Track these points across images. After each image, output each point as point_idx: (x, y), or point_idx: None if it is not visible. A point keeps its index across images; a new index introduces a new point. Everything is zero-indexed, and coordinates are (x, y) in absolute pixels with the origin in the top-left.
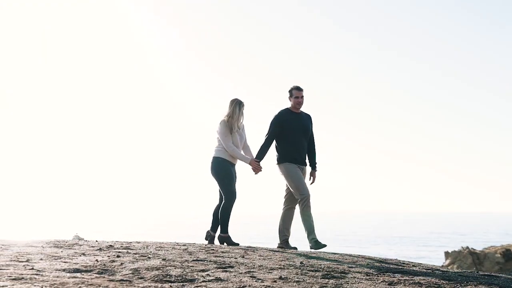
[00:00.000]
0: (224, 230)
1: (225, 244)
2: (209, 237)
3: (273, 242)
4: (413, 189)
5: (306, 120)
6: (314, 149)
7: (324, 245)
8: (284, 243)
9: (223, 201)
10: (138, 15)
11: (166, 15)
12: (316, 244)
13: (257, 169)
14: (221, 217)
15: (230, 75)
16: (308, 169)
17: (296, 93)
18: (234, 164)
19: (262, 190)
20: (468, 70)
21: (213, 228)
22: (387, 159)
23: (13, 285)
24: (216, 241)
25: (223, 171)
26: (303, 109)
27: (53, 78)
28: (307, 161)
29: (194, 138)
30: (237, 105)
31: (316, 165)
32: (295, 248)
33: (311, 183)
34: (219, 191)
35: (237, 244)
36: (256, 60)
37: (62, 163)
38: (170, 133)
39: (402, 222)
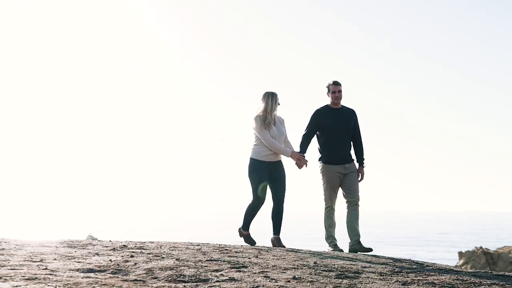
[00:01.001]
0: (245, 227)
1: (242, 239)
2: (272, 241)
3: (287, 242)
4: (426, 189)
5: (347, 116)
6: (360, 145)
7: (341, 250)
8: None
9: (252, 200)
10: (146, 14)
11: (173, 13)
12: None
13: (300, 161)
14: (245, 213)
15: (238, 75)
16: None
17: (333, 88)
18: (273, 162)
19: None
20: (479, 68)
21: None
22: (400, 159)
23: (26, 285)
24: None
25: (253, 174)
26: (348, 104)
27: (63, 78)
28: (354, 157)
29: (207, 137)
30: (269, 97)
31: (364, 161)
32: (370, 250)
33: (359, 180)
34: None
35: (255, 242)
36: (268, 60)
37: (75, 164)
38: (183, 133)
39: (415, 222)
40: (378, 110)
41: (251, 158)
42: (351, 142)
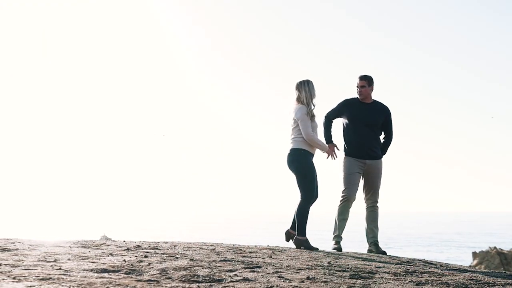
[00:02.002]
0: (302, 232)
1: (302, 248)
2: (290, 237)
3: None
4: (439, 189)
5: (375, 111)
6: (387, 141)
7: (340, 249)
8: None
9: (301, 199)
10: (155, 14)
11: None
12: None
13: (334, 152)
14: (297, 218)
15: (241, 74)
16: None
17: (357, 82)
18: (313, 155)
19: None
20: (491, 68)
21: (294, 227)
22: (414, 159)
23: (40, 285)
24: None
25: (306, 165)
26: (383, 100)
27: (72, 77)
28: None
29: (222, 137)
30: (308, 84)
31: (382, 156)
32: (385, 252)
33: None
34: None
35: (316, 249)
36: (280, 60)
37: (88, 165)
38: (193, 132)
39: (429, 222)
40: (392, 109)
41: (299, 149)
42: (378, 139)
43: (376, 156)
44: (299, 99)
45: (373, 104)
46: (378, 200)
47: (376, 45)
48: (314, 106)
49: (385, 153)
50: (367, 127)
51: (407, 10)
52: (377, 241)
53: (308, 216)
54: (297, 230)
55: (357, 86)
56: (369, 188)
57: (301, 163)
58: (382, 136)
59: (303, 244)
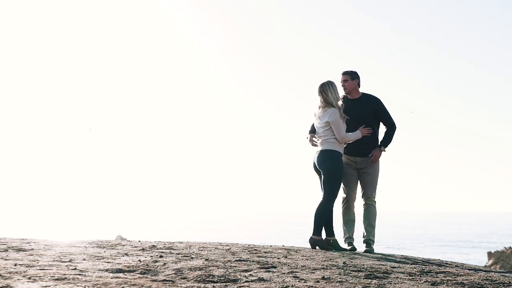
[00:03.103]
0: (318, 232)
1: (317, 247)
2: (328, 243)
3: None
4: (454, 189)
5: (362, 105)
6: (389, 130)
7: (354, 249)
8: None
9: (323, 199)
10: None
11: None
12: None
13: (366, 130)
14: (316, 217)
15: (253, 74)
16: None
17: (340, 78)
18: None
19: (311, 187)
20: (507, 67)
21: (327, 232)
22: (432, 159)
23: (56, 285)
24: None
25: (338, 166)
26: (372, 92)
27: (84, 77)
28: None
29: (228, 136)
30: (335, 86)
31: (384, 146)
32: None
33: (370, 161)
34: (321, 187)
35: (330, 249)
36: (298, 60)
37: (103, 165)
38: (200, 132)
39: (444, 223)
40: (408, 109)
41: (334, 151)
42: (373, 134)
43: (366, 153)
44: (327, 101)
45: (361, 97)
46: (373, 197)
47: (392, 45)
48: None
49: (388, 143)
50: (356, 122)
51: (424, 10)
52: (369, 239)
53: (333, 216)
54: (313, 229)
55: (341, 82)
56: (362, 185)
57: (334, 164)
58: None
59: (317, 243)
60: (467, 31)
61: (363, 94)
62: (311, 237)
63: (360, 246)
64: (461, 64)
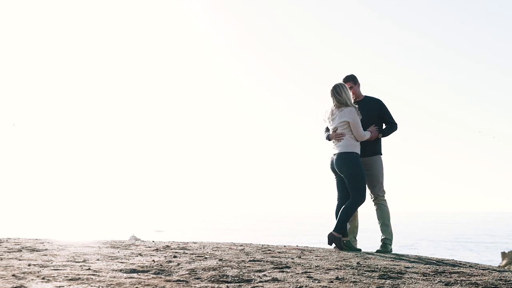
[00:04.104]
0: (339, 229)
1: (333, 245)
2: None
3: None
4: (468, 189)
5: (366, 107)
6: (389, 126)
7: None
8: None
9: (351, 199)
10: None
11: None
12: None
13: (376, 131)
14: (341, 214)
15: (280, 75)
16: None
17: None
18: None
19: (324, 187)
20: None
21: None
22: (445, 159)
23: (69, 285)
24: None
25: (360, 169)
26: (374, 94)
27: (96, 76)
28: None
29: (249, 137)
30: (347, 87)
31: (381, 134)
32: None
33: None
34: (339, 189)
35: (346, 249)
36: (311, 59)
37: (117, 165)
38: (225, 133)
39: (458, 223)
40: (423, 110)
41: (352, 152)
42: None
43: (367, 153)
44: (341, 102)
45: (364, 100)
46: (382, 196)
47: (409, 45)
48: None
49: (386, 134)
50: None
51: (437, 9)
52: (385, 239)
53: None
54: (336, 226)
55: None
56: (368, 185)
57: (356, 167)
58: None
59: (335, 240)
60: (484, 31)
61: (366, 96)
62: (330, 233)
63: (371, 248)
64: (475, 64)
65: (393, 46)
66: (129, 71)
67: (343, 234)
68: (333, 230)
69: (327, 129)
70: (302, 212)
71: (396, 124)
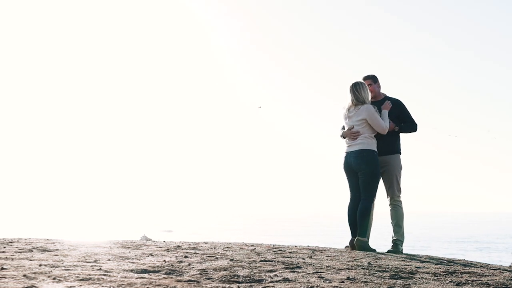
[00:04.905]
0: (363, 233)
1: (362, 249)
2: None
3: (341, 242)
4: (479, 189)
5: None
6: (408, 125)
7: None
8: None
9: (364, 199)
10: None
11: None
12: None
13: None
14: (360, 218)
15: (295, 76)
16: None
17: None
18: None
19: (336, 188)
20: None
21: (353, 232)
22: (458, 159)
23: (80, 285)
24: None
25: (378, 168)
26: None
27: (106, 75)
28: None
29: (261, 137)
30: (365, 85)
31: (397, 127)
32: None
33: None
34: (352, 189)
35: (374, 250)
36: (324, 60)
37: (128, 165)
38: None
39: (469, 223)
40: (438, 111)
41: (373, 151)
42: (394, 133)
43: (385, 152)
44: (358, 99)
45: (383, 100)
46: (398, 197)
47: (426, 47)
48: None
49: (403, 129)
50: None
51: (453, 10)
52: (396, 240)
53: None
54: (359, 231)
55: None
56: (385, 184)
57: (376, 165)
58: None
59: (364, 245)
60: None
61: (385, 96)
62: (357, 239)
63: (383, 248)
64: (489, 64)
65: (407, 46)
66: (142, 71)
67: (354, 234)
68: (359, 235)
69: (344, 127)
70: (314, 212)
71: (416, 124)
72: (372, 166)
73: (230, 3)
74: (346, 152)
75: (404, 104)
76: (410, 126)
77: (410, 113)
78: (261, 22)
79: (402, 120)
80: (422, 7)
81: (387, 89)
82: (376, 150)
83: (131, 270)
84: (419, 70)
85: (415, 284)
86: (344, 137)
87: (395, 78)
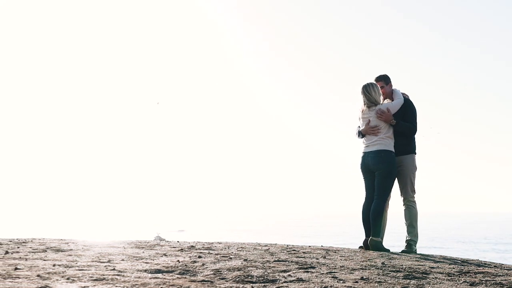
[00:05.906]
0: (377, 233)
1: (376, 249)
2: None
3: (357, 242)
4: (493, 189)
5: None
6: (407, 125)
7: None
8: None
9: (377, 199)
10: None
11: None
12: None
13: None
14: (373, 218)
15: (306, 76)
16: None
17: None
18: None
19: (351, 189)
20: None
21: (367, 233)
22: (473, 160)
23: (94, 285)
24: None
25: (395, 169)
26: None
27: (114, 76)
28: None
29: (281, 138)
30: (378, 87)
31: (395, 121)
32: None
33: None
34: (368, 189)
35: (388, 250)
36: (337, 60)
37: (142, 166)
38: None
39: (483, 223)
40: (453, 111)
41: (392, 152)
42: (399, 135)
43: (400, 152)
44: (370, 100)
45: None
46: (411, 197)
47: (442, 48)
48: None
49: (401, 126)
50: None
51: (466, 11)
52: (410, 240)
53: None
54: (373, 230)
55: None
56: (399, 185)
57: (394, 166)
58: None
59: (378, 245)
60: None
61: (406, 98)
62: (371, 239)
63: (397, 248)
64: (502, 64)
65: (421, 47)
66: (159, 73)
67: (368, 234)
68: (372, 236)
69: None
70: (328, 212)
71: (415, 128)
72: (390, 167)
73: (244, 5)
74: (363, 152)
75: (412, 106)
76: (407, 127)
77: (416, 116)
78: (275, 23)
79: (406, 120)
80: (439, 8)
81: (399, 88)
82: (393, 150)
83: (145, 270)
84: (433, 68)
85: (429, 284)
86: (363, 135)
87: (408, 77)
